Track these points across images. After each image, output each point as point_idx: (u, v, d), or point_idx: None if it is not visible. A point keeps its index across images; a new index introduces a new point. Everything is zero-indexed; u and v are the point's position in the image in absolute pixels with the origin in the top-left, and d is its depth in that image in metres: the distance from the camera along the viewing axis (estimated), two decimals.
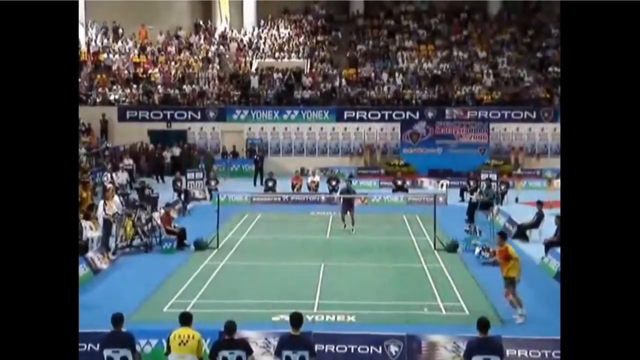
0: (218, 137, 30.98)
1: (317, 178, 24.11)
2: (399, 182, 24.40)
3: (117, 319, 7.16)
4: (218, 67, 32.89)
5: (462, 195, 22.64)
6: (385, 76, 32.10)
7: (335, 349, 8.54)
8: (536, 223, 16.34)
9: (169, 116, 30.36)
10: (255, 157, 28.30)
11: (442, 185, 25.15)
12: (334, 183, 24.02)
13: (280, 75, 32.31)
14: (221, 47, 34.39)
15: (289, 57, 33.81)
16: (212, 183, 23.85)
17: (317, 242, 16.35)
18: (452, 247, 15.11)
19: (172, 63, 33.10)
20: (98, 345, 7.39)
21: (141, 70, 32.48)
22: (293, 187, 23.81)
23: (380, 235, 17.13)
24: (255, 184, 26.63)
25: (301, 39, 34.74)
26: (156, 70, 32.21)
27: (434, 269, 13.51)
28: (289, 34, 35.17)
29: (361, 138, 30.96)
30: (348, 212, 17.27)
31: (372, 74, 32.29)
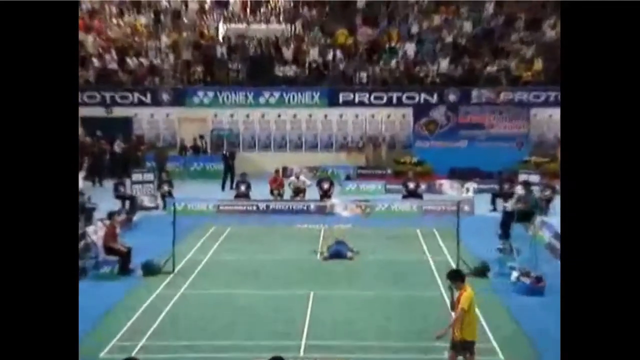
0: (174, 126, 31.01)
1: (304, 180, 24.19)
2: (411, 186, 24.47)
3: None
4: (173, 33, 32.91)
5: (493, 202, 22.76)
6: (393, 46, 32.21)
7: None
8: None
9: (108, 99, 30.30)
10: (224, 153, 28.39)
11: (467, 190, 25.29)
12: (326, 187, 24.12)
13: (255, 45, 32.38)
14: (177, 6, 34.39)
15: (267, 22, 33.92)
16: (166, 187, 23.88)
17: (305, 264, 16.39)
18: (481, 271, 15.18)
19: (112, 28, 33.01)
20: None
21: None
22: (272, 192, 23.89)
23: (387, 255, 17.17)
24: (223, 188, 26.70)
25: None
26: (89, 37, 32.03)
27: None
28: None
29: (361, 128, 31.06)
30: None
31: (376, 44, 32.40)
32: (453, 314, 9.35)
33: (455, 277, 9.47)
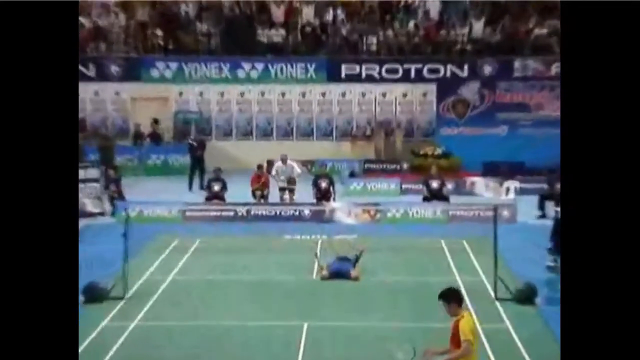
0: (126, 108, 31.05)
1: (293, 166, 24.17)
2: (434, 185, 24.51)
3: None
4: None
5: (542, 206, 22.77)
6: (411, 2, 32.15)
7: None
8: None
9: None
10: (191, 142, 28.38)
11: (507, 190, 25.26)
12: (324, 186, 24.11)
13: (232, 2, 32.39)
14: None
15: None
16: (115, 187, 23.84)
17: (297, 287, 16.41)
18: (526, 296, 15.17)
19: None
20: None
21: None
22: (254, 193, 23.92)
23: (402, 275, 17.20)
24: (191, 187, 26.76)
25: None
26: None
27: (495, 334, 13.53)
28: None
29: (370, 110, 31.14)
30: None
31: (389, 1, 32.39)
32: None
33: (450, 298, 9.30)
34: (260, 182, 24.16)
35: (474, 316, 9.76)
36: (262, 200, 23.78)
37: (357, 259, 17.20)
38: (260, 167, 25.07)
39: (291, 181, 23.91)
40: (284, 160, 24.19)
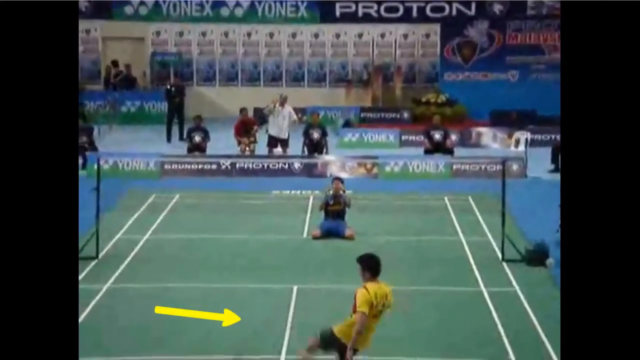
0: (96, 48, 30.89)
1: (290, 112, 23.94)
2: (437, 136, 24.54)
3: None
4: None
5: (555, 160, 22.78)
6: None
7: None
8: None
9: None
10: (169, 87, 28.28)
11: (517, 142, 25.24)
12: (316, 137, 24.14)
13: None
14: None
15: None
16: (85, 137, 23.82)
17: (286, 246, 16.49)
18: (537, 257, 15.25)
19: None
20: None
21: None
22: (240, 142, 23.90)
23: (402, 235, 17.26)
24: (169, 137, 26.85)
25: None
26: None
27: (502, 297, 13.65)
28: None
29: (367, 53, 31.05)
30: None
31: None
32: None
33: (364, 264, 9.48)
34: (243, 131, 23.86)
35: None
36: (247, 152, 23.69)
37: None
38: (244, 112, 24.85)
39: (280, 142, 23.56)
40: (282, 103, 23.75)
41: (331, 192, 17.07)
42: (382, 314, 9.36)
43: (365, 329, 9.22)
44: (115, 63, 30.28)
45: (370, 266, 9.45)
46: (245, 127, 24.14)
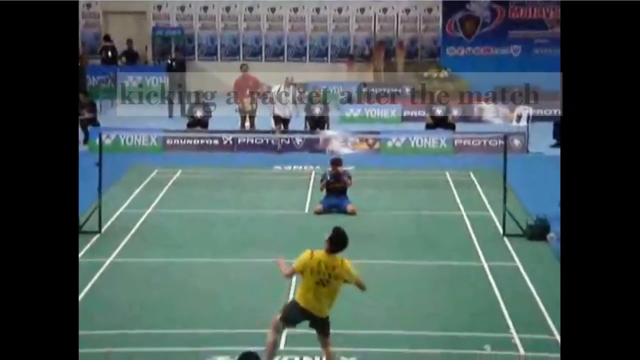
0: (97, 23, 30.78)
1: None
2: (439, 111, 24.56)
3: None
4: None
5: (557, 135, 22.79)
6: None
7: None
8: None
9: None
10: (170, 61, 28.34)
11: (519, 118, 25.21)
12: (317, 112, 24.09)
13: None
14: None
15: None
16: (87, 113, 23.76)
17: (288, 222, 16.49)
18: (538, 232, 15.29)
19: None
20: None
21: None
22: (243, 119, 24.07)
23: (403, 210, 17.28)
24: (171, 113, 26.81)
25: None
26: None
27: (504, 272, 13.68)
28: None
29: (369, 28, 30.97)
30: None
31: None
32: None
33: (330, 236, 9.87)
34: (244, 104, 23.85)
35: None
36: (248, 127, 23.71)
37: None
38: (244, 66, 24.85)
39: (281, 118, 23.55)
40: (289, 85, 23.72)
41: (330, 171, 17.09)
42: (330, 284, 9.65)
43: (307, 290, 9.75)
44: (107, 37, 30.13)
45: (331, 239, 9.82)
46: (247, 84, 24.10)
